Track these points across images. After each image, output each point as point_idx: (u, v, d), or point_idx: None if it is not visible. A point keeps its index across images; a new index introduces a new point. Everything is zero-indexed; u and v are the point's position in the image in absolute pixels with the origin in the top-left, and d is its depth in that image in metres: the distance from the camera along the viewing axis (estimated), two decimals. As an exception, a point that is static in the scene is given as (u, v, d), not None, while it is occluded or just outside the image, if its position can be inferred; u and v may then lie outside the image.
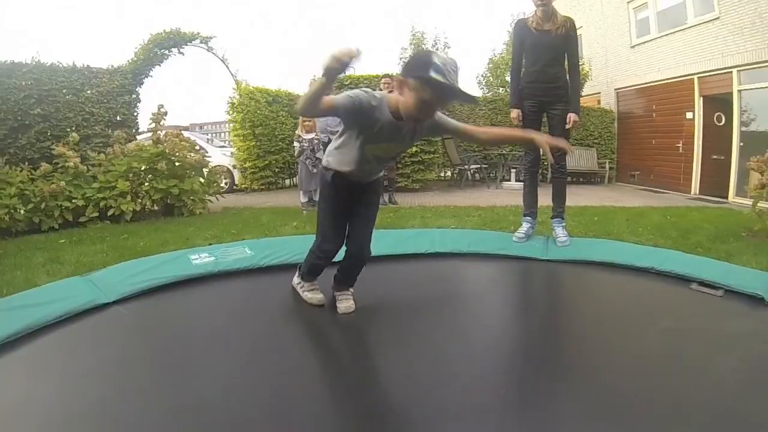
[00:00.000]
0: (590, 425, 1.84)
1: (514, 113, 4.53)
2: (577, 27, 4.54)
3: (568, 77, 4.52)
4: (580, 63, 12.26)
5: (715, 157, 11.52)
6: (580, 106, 4.58)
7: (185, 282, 3.19)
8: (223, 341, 2.52)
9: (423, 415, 1.89)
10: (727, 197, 10.70)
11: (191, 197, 6.66)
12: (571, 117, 4.40)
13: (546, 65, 4.37)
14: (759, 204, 5.97)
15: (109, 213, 6.05)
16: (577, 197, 9.60)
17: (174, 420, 1.80)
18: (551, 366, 2.37)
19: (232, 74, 10.64)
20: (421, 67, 2.16)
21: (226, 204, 7.76)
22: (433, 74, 2.09)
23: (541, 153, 4.72)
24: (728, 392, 2.07)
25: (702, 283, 3.30)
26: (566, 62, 4.49)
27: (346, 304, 2.87)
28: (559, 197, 4.66)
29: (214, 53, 10.12)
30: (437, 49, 18.71)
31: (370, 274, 3.06)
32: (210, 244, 4.08)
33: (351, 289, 2.95)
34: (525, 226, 4.56)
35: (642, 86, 13.67)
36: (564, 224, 4.59)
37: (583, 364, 2.40)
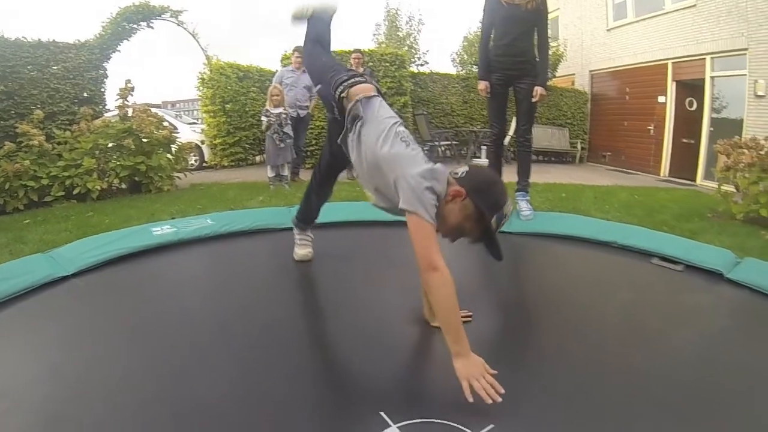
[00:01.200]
0: (543, 394, 1.86)
1: (482, 85, 4.57)
2: (554, 8, 4.56)
3: (536, 52, 4.53)
4: (555, 44, 12.28)
5: (685, 140, 11.71)
6: (547, 81, 4.60)
7: (146, 252, 3.20)
8: (180, 307, 2.55)
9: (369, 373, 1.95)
10: (695, 180, 10.90)
11: (159, 174, 6.54)
12: (538, 90, 4.43)
13: (515, 39, 4.37)
14: (724, 186, 6.11)
15: (75, 191, 5.90)
16: (547, 175, 9.66)
17: (131, 386, 1.80)
18: (504, 334, 2.42)
19: (202, 49, 10.45)
20: (490, 204, 1.93)
21: (194, 180, 7.66)
22: (493, 221, 1.94)
23: (507, 128, 4.78)
24: (685, 364, 2.10)
25: (663, 258, 3.36)
26: (536, 37, 4.50)
27: (305, 251, 3.02)
28: (523, 171, 4.72)
29: (184, 28, 9.92)
30: (411, 27, 18.73)
31: (330, 236, 3.38)
32: (173, 218, 4.06)
33: (311, 235, 3.07)
34: None
35: (616, 69, 13.75)
36: (528, 198, 4.64)
37: (539, 334, 2.43)
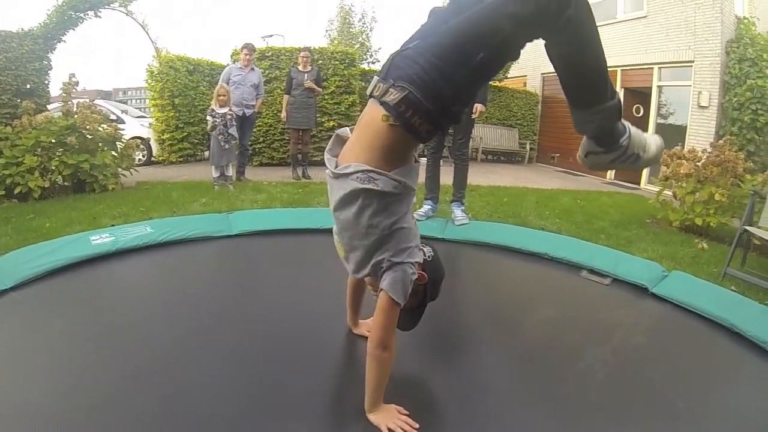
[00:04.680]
0: (445, 410, 1.98)
1: None
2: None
3: None
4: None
5: (631, 145, 12.08)
6: (487, 97, 4.77)
7: (85, 262, 3.16)
8: (115, 320, 2.55)
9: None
10: (639, 184, 11.33)
11: (103, 172, 6.35)
12: (478, 107, 4.61)
13: None
14: (663, 193, 6.39)
15: (16, 191, 5.66)
16: (494, 176, 9.82)
17: (71, 403, 1.83)
18: (422, 345, 2.47)
19: (152, 41, 10.19)
20: (434, 295, 2.09)
21: (141, 178, 7.44)
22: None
23: (445, 140, 4.86)
24: (593, 385, 2.20)
25: (592, 271, 3.49)
26: None
27: None
28: (459, 183, 4.90)
29: (133, 18, 9.67)
30: (364, 24, 18.80)
31: (266, 243, 3.72)
32: (113, 225, 4.02)
33: None
34: (425, 208, 4.83)
35: (567, 73, 14.02)
36: (463, 207, 4.82)
37: (450, 348, 2.51)
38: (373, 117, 1.67)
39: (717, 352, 2.68)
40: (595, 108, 1.64)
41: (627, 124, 1.74)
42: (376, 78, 1.69)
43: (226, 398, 1.92)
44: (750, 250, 4.83)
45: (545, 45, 1.57)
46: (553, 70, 1.71)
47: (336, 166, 1.77)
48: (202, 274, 3.32)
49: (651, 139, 1.79)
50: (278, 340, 2.44)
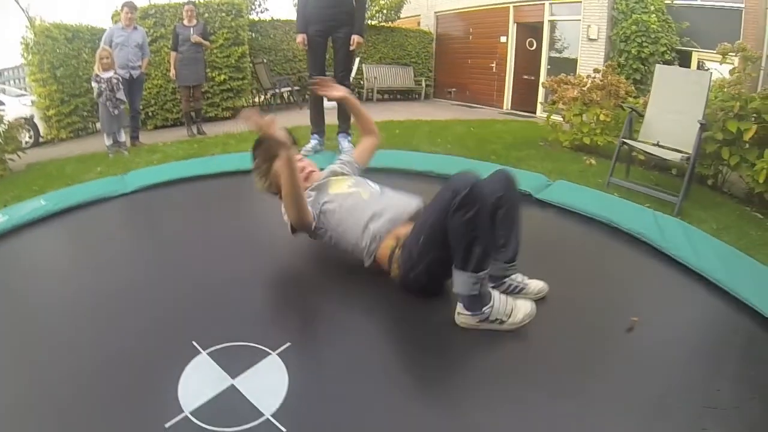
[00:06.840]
0: (334, 317, 2.15)
1: (299, 38, 4.80)
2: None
3: (354, 2, 4.77)
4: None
5: (525, 77, 12.84)
6: (364, 29, 4.90)
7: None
8: (29, 293, 2.49)
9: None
10: (535, 112, 11.96)
11: (-12, 160, 5.92)
12: (355, 39, 4.72)
13: None
14: (552, 117, 6.81)
15: None
16: (389, 113, 9.91)
17: None
18: (288, 265, 2.64)
19: (23, 10, 9.45)
20: None
21: (31, 160, 6.98)
22: None
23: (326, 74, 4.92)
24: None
25: (477, 182, 3.71)
26: None
27: None
28: (343, 115, 5.01)
29: (-2, -13, 8.96)
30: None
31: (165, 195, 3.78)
32: (5, 206, 3.84)
33: None
34: (312, 143, 5.00)
35: (461, 11, 14.42)
36: (350, 138, 4.99)
37: (341, 263, 2.58)
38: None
39: (596, 247, 2.95)
40: (457, 271, 1.92)
41: (494, 294, 1.98)
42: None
43: (159, 345, 1.94)
44: (634, 164, 5.33)
45: None
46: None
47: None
48: (106, 234, 3.28)
49: (522, 307, 2.01)
50: (196, 281, 2.47)
